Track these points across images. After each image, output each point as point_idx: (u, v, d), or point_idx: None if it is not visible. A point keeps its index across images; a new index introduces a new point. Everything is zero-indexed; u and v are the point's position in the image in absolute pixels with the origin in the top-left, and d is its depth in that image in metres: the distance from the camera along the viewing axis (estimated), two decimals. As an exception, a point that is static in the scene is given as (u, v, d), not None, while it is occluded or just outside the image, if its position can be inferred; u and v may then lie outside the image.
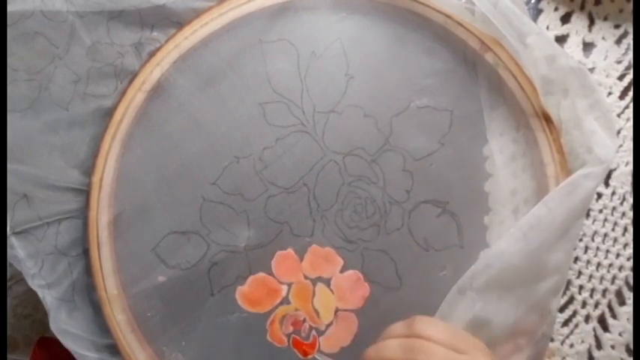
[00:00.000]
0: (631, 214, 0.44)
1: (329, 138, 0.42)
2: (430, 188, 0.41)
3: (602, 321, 0.44)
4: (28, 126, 0.42)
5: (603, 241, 0.45)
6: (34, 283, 0.40)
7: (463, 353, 0.34)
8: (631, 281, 0.44)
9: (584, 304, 0.44)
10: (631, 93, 0.46)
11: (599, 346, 0.44)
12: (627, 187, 0.45)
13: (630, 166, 0.45)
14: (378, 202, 0.41)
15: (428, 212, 0.41)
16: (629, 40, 0.46)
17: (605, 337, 0.44)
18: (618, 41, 0.47)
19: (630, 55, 0.46)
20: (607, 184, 0.45)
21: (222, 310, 0.41)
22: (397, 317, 0.37)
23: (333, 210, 0.41)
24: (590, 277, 0.44)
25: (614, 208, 0.45)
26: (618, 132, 0.45)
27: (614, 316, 0.44)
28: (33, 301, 0.50)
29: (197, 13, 0.42)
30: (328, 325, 0.41)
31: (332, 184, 0.42)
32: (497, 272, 0.37)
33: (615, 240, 0.45)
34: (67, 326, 0.40)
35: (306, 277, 0.41)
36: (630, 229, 0.44)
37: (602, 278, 0.44)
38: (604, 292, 0.44)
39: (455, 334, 0.35)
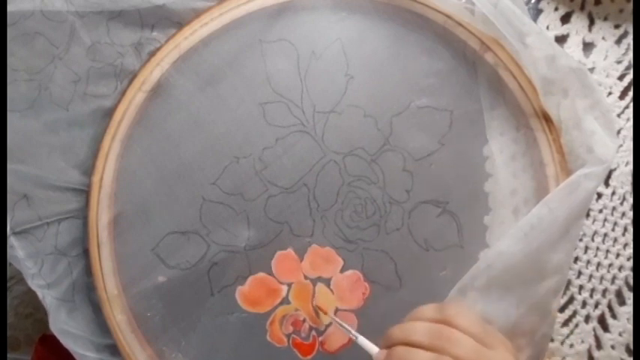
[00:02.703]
0: (631, 214, 0.44)
1: (329, 138, 0.42)
2: (430, 188, 0.41)
3: (602, 321, 0.44)
4: (28, 126, 0.42)
5: (603, 241, 0.45)
6: (33, 283, 0.41)
7: (490, 348, 0.33)
8: (631, 281, 0.44)
9: (584, 304, 0.44)
10: (631, 93, 0.46)
11: (599, 346, 0.44)
12: (627, 187, 0.45)
13: (630, 166, 0.45)
14: (378, 202, 0.41)
15: (428, 212, 0.41)
16: (629, 40, 0.46)
17: (605, 337, 0.44)
18: (618, 41, 0.47)
19: (630, 55, 0.46)
20: (607, 184, 0.45)
21: (222, 310, 0.41)
22: (397, 317, 0.37)
23: (333, 210, 0.41)
24: (590, 277, 0.44)
25: (614, 208, 0.45)
26: (618, 132, 0.45)
27: (614, 316, 0.44)
28: (34, 300, 0.50)
29: (197, 13, 0.42)
30: (328, 325, 0.41)
31: (332, 184, 0.41)
32: (499, 272, 0.37)
33: (615, 240, 0.44)
34: (67, 326, 0.40)
35: (306, 277, 0.41)
36: (630, 229, 0.44)
37: (602, 278, 0.44)
38: (604, 292, 0.44)
39: (485, 328, 0.34)
